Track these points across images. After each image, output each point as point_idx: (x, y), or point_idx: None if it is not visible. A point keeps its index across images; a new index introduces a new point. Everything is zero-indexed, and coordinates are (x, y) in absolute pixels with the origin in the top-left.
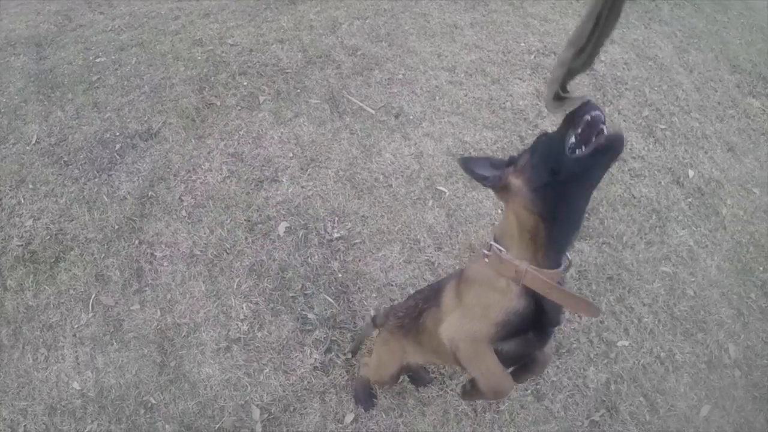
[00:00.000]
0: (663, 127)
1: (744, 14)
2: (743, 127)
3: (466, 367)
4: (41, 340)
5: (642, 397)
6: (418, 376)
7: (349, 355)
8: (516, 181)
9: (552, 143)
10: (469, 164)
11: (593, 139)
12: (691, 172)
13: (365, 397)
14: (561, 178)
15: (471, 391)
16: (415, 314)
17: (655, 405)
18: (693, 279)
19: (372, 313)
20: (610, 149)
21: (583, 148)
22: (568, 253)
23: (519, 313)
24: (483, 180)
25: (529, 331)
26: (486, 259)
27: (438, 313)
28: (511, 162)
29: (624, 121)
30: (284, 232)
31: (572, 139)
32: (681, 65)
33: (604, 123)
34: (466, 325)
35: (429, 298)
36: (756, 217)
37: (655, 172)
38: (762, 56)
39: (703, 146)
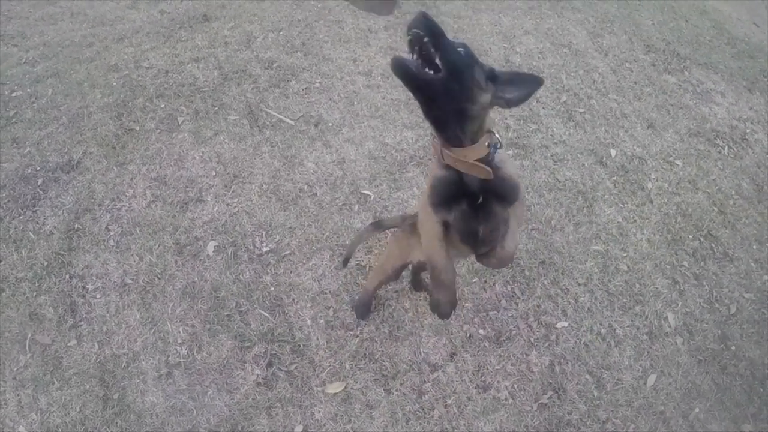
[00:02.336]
0: (582, 110)
1: None
2: (661, 103)
3: (420, 231)
4: None
5: (588, 375)
6: (416, 280)
7: (341, 266)
8: None
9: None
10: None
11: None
12: (613, 152)
13: (364, 308)
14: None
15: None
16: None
17: (602, 381)
18: (625, 254)
19: (373, 220)
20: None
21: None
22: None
23: (441, 179)
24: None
25: (462, 200)
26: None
27: None
28: None
29: (543, 108)
30: (213, 251)
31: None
32: (596, 50)
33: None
34: (422, 197)
35: None
36: (681, 188)
37: (578, 155)
38: (674, 34)
39: (623, 125)
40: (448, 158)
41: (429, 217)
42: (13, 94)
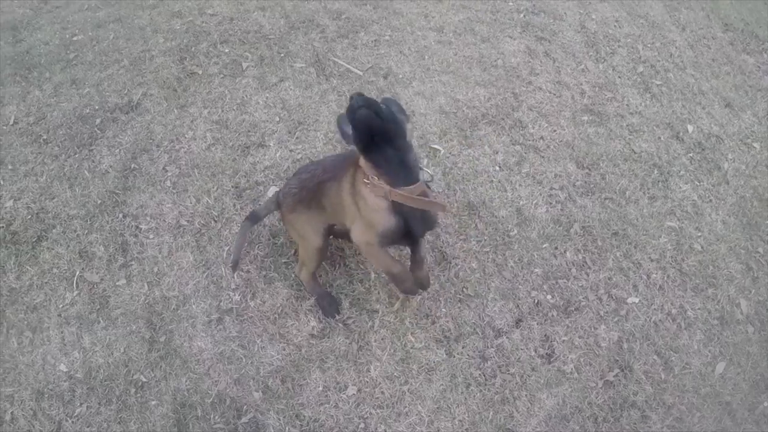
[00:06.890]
0: (659, 83)
1: None
2: (739, 83)
3: (370, 259)
4: (26, 322)
5: (656, 355)
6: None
7: (231, 271)
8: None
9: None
10: (340, 121)
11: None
12: (690, 128)
13: (328, 304)
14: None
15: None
16: (312, 185)
17: (670, 363)
18: (699, 234)
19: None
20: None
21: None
22: (426, 171)
23: (393, 229)
24: (346, 137)
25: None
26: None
27: (340, 190)
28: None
29: (619, 77)
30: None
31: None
32: (672, 23)
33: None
34: (363, 235)
35: (327, 171)
36: (758, 171)
37: (654, 128)
38: (753, 15)
39: (701, 102)
40: (398, 197)
41: (377, 252)
42: (75, 38)
